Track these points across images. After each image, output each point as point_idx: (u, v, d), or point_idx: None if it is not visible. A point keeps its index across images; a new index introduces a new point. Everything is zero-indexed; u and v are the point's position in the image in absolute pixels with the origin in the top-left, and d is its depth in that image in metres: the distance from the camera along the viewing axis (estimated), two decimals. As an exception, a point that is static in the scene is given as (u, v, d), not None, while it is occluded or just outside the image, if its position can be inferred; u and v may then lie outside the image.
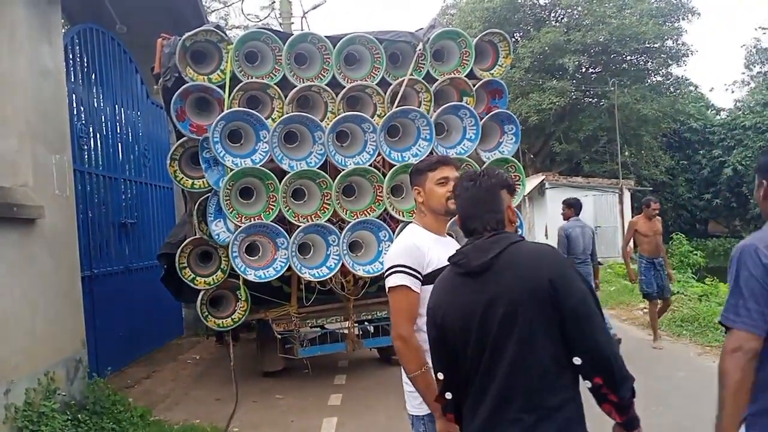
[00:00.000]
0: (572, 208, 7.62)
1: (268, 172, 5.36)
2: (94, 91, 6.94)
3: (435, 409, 2.24)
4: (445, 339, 1.97)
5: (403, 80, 5.72)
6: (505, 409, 1.83)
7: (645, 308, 10.92)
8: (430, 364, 2.27)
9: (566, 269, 1.86)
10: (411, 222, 2.64)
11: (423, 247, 2.42)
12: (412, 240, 2.46)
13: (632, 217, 21.76)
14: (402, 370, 2.49)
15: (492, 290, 1.87)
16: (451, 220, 2.57)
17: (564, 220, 7.67)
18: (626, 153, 25.22)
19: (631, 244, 20.19)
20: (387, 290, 2.44)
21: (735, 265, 1.94)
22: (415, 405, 2.46)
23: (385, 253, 5.56)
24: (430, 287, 2.36)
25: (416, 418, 2.47)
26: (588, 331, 1.79)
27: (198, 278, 5.65)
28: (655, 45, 23.85)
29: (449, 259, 2.03)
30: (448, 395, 2.00)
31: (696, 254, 16.89)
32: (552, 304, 1.79)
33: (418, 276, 2.39)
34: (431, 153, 5.70)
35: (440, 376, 2.02)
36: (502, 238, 1.92)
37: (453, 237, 2.94)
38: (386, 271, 2.45)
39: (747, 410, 1.88)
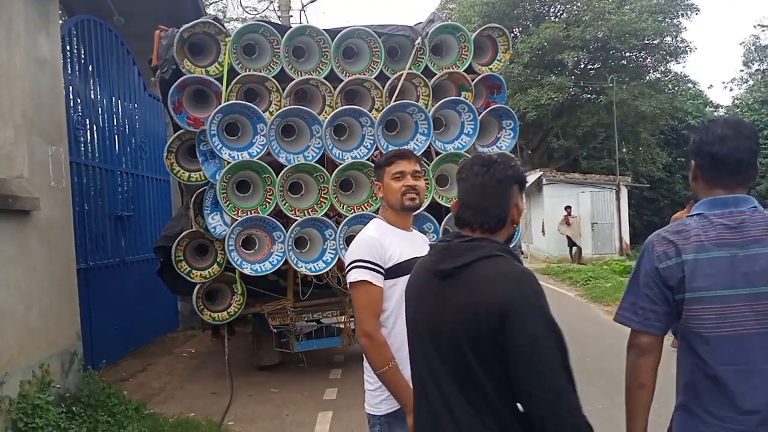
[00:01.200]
0: None
1: (265, 165, 5.34)
2: (91, 82, 6.91)
3: (406, 404, 2.21)
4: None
5: (402, 74, 5.70)
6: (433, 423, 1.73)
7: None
8: (397, 360, 2.29)
9: (525, 303, 1.57)
10: (376, 218, 2.57)
11: (384, 242, 2.37)
12: (373, 234, 2.41)
13: (629, 213, 21.91)
14: (364, 367, 2.47)
15: (445, 302, 1.69)
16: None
17: None
18: (624, 149, 25.25)
19: (627, 240, 20.26)
20: (348, 285, 2.40)
21: (638, 258, 1.89)
22: (373, 404, 2.43)
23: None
24: (392, 281, 2.35)
25: (373, 417, 2.45)
26: (525, 380, 1.54)
27: (194, 271, 5.64)
28: (654, 41, 23.84)
29: (431, 245, 1.86)
30: None
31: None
32: (497, 338, 1.56)
33: (380, 270, 2.34)
34: (428, 147, 5.70)
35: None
36: (479, 247, 1.68)
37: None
38: (347, 266, 2.40)
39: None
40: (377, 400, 2.40)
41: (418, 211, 5.52)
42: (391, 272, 2.35)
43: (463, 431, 1.64)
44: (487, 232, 1.73)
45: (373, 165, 5.57)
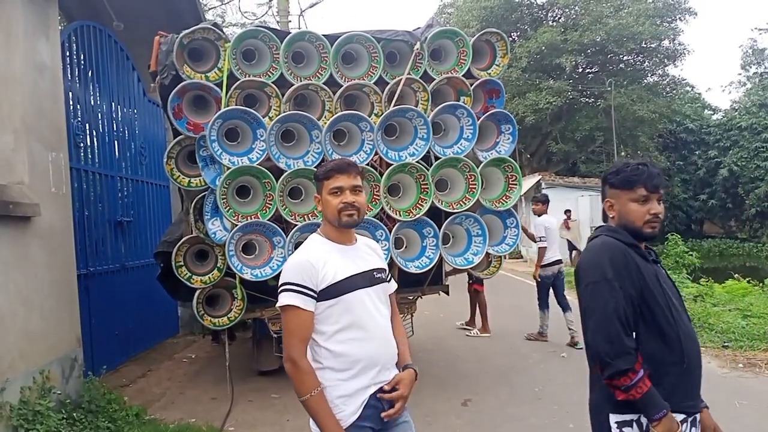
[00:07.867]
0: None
1: (265, 170, 5.34)
2: (91, 88, 6.91)
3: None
4: None
5: (401, 79, 5.71)
6: None
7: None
8: (323, 386, 2.28)
9: (589, 262, 2.20)
10: (315, 233, 2.46)
11: (317, 263, 2.26)
12: (306, 256, 2.29)
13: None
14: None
15: None
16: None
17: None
18: (622, 153, 25.31)
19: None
20: (279, 309, 2.30)
21: None
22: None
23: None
24: (329, 302, 2.26)
25: None
26: (585, 316, 2.16)
27: (194, 277, 5.64)
28: (652, 45, 23.94)
29: None
30: None
31: (691, 255, 16.99)
32: None
33: (311, 293, 2.24)
34: (428, 152, 5.70)
35: None
36: (597, 233, 2.36)
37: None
38: (278, 288, 2.29)
39: None
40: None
41: (417, 216, 5.56)
42: (326, 293, 2.26)
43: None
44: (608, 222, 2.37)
45: (372, 170, 5.59)
